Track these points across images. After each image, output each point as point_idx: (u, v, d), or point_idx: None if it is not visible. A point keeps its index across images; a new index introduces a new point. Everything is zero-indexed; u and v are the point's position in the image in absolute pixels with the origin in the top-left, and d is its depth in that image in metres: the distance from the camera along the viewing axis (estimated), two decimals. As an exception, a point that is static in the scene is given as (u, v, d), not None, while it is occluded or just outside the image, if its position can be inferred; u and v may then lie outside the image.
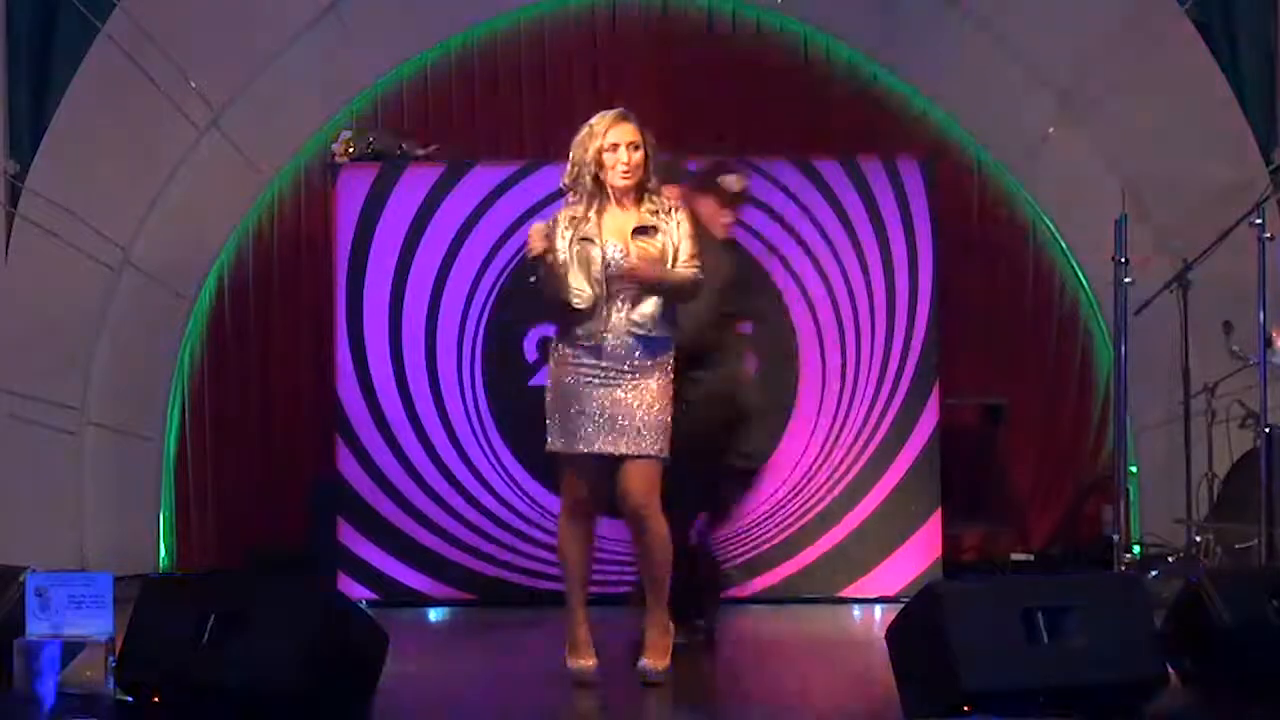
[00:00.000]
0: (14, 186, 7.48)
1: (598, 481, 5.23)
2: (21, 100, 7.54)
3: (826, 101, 7.91)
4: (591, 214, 5.22)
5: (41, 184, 7.48)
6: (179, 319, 7.77)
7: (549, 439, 5.28)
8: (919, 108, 7.89)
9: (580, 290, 5.16)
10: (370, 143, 7.30)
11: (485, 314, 7.18)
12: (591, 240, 5.19)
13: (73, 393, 7.58)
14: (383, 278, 7.17)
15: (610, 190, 5.22)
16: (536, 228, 5.14)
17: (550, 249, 5.10)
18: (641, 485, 5.17)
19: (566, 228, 5.22)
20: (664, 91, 7.79)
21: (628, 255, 5.15)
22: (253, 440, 7.96)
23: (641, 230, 5.20)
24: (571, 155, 5.26)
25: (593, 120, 5.24)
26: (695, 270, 5.24)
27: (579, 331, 5.20)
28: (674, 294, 5.24)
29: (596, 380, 5.18)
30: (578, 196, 5.25)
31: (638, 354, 5.18)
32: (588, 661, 5.31)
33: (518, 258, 7.18)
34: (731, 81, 7.90)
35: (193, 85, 7.60)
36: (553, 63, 7.93)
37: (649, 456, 5.16)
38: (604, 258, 5.17)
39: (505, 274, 7.11)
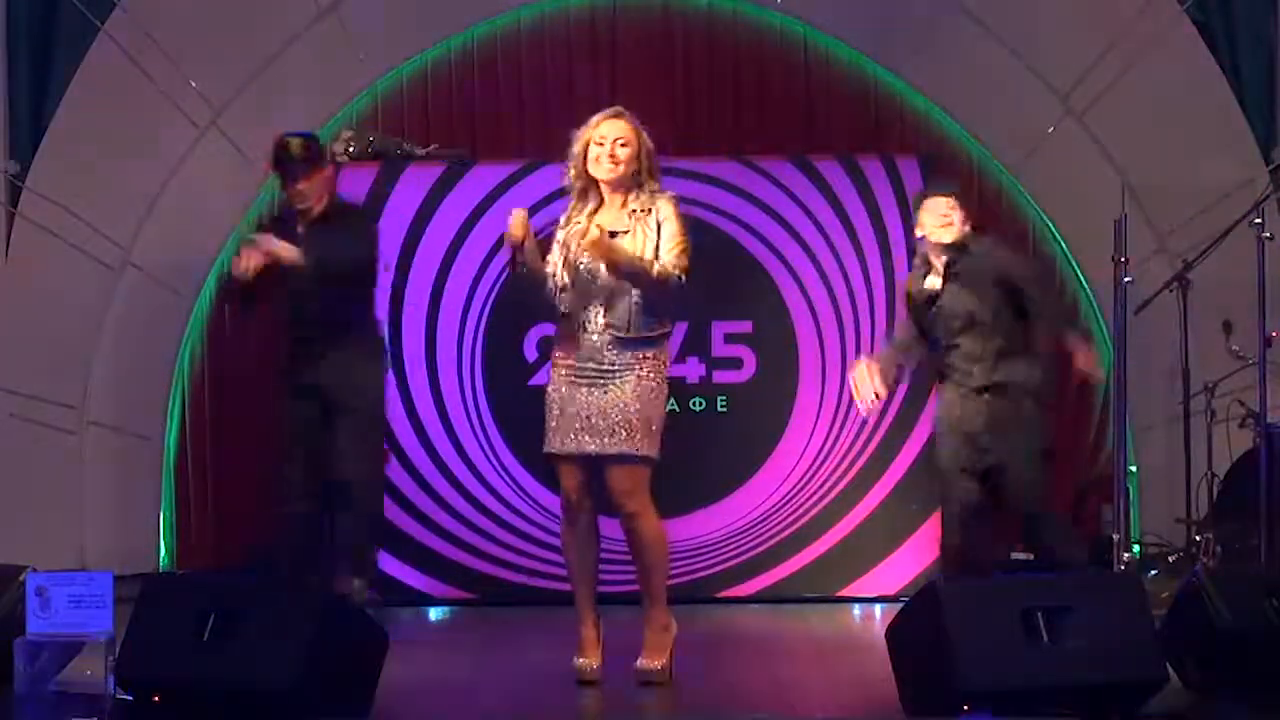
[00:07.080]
0: (14, 186, 7.48)
1: (590, 481, 5.23)
2: (21, 100, 7.54)
3: (826, 101, 7.90)
4: (582, 217, 5.24)
5: (41, 184, 7.48)
6: (179, 319, 7.75)
7: (545, 440, 5.29)
8: (919, 108, 7.88)
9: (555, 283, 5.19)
10: (370, 143, 7.30)
11: (485, 314, 7.18)
12: (569, 243, 5.21)
13: (73, 393, 7.58)
14: (382, 277, 7.16)
15: (601, 186, 5.23)
16: (518, 214, 5.13)
17: (527, 237, 5.11)
18: (624, 485, 5.17)
19: (561, 227, 5.27)
20: (664, 91, 7.78)
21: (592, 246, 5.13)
22: (253, 440, 7.95)
23: (612, 234, 5.16)
24: (571, 149, 5.29)
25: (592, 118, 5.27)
26: (662, 266, 5.09)
27: (563, 332, 5.25)
28: (637, 282, 5.12)
29: (580, 380, 5.18)
30: (576, 196, 5.27)
31: (615, 354, 5.16)
32: (592, 660, 5.30)
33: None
34: (731, 81, 7.89)
35: (193, 85, 7.60)
36: (553, 62, 7.91)
37: (630, 456, 5.16)
38: (576, 259, 5.18)
39: (505, 273, 7.11)
